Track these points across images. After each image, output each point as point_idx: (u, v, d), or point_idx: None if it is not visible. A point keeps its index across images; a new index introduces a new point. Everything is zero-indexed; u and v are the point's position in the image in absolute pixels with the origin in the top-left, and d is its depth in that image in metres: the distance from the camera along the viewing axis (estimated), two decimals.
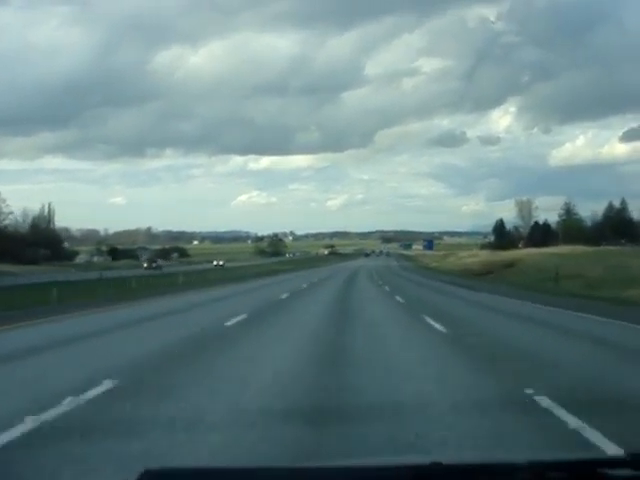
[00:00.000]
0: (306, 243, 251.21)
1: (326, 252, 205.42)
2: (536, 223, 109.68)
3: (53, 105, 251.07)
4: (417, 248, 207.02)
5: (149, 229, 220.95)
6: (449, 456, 2.32)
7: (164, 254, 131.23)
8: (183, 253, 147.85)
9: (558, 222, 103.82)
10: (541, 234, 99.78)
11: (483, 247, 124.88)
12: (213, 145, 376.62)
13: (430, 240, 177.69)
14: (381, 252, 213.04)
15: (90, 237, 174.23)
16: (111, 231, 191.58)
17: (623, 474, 1.58)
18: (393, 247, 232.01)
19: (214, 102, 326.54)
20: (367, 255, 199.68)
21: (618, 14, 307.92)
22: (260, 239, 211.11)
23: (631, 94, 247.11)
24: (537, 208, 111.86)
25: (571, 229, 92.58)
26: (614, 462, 1.66)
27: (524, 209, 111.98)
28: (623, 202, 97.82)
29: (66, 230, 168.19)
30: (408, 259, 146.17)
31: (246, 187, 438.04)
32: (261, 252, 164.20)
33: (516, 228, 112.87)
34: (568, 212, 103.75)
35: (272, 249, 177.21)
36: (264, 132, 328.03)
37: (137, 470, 1.48)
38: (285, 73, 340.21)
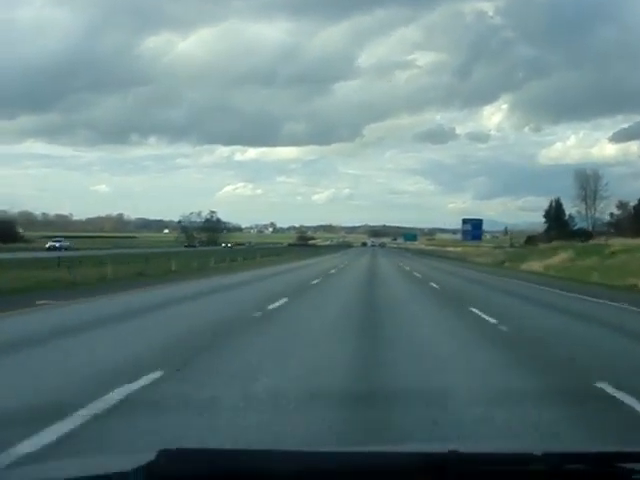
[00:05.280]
0: (287, 235, 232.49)
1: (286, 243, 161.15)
2: None
3: (36, 88, 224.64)
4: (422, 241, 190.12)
5: (121, 216, 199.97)
6: (466, 445, 2.37)
7: None
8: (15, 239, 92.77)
9: None
10: None
11: (528, 240, 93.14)
12: (198, 134, 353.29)
13: (478, 222, 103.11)
14: (373, 244, 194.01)
15: (57, 223, 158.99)
16: (83, 217, 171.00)
17: None
18: (386, 241, 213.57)
19: (201, 90, 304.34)
20: (364, 244, 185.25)
21: (616, 13, 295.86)
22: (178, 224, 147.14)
23: (623, 95, 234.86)
24: (607, 184, 78.88)
25: None
26: (633, 456, 1.67)
27: (588, 187, 78.03)
28: None
29: (28, 214, 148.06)
30: (447, 259, 76.51)
31: (233, 179, 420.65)
32: (189, 239, 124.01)
33: (613, 215, 78.47)
34: None
35: (206, 236, 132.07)
36: (251, 122, 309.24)
37: (155, 449, 1.55)
38: (275, 62, 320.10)
